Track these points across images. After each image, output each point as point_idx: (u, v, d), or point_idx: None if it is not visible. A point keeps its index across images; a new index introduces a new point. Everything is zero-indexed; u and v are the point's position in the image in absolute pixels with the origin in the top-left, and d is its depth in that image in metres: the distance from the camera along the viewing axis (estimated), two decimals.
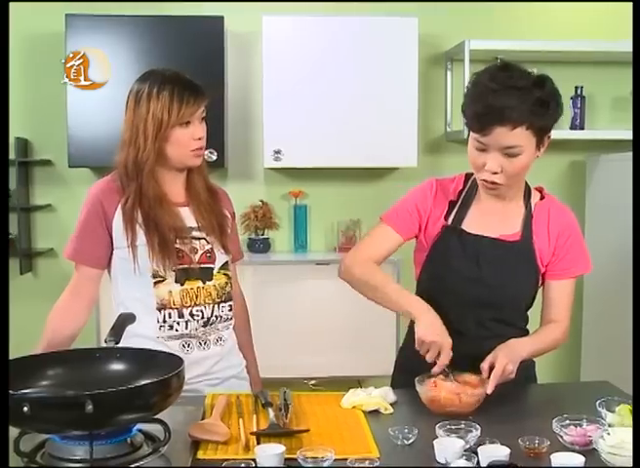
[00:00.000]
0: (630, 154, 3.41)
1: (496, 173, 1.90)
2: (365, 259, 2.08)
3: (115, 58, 3.63)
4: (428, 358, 1.87)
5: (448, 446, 1.54)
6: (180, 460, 1.53)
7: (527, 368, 2.07)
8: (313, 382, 3.83)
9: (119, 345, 1.76)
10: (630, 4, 3.24)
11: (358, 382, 3.64)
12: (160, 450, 1.52)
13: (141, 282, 2.04)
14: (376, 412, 1.84)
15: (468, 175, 2.10)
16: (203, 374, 2.08)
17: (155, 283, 2.04)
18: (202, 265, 2.10)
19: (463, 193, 2.10)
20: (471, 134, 1.92)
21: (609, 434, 1.57)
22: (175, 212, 2.08)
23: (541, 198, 2.10)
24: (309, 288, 3.82)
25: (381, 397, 1.87)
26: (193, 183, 2.14)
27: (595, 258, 2.12)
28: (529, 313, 2.13)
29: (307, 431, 1.68)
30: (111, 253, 2.07)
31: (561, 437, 1.61)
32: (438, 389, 1.83)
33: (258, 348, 2.38)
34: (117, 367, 1.71)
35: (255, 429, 1.69)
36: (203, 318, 2.09)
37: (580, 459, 1.48)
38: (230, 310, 2.17)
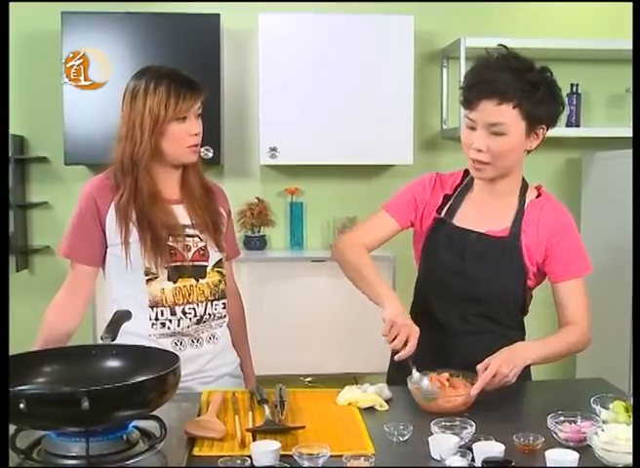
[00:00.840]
0: (625, 151, 3.42)
1: (481, 150, 1.92)
2: (356, 242, 2.10)
3: (111, 55, 3.62)
4: (396, 343, 1.82)
5: (443, 442, 1.54)
6: (175, 457, 1.53)
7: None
8: (309, 379, 3.83)
9: (115, 342, 1.76)
10: (627, 3, 3.24)
11: (354, 379, 3.64)
12: (156, 447, 1.53)
13: (134, 279, 2.04)
14: (371, 409, 1.84)
15: (467, 171, 2.11)
16: (196, 372, 2.08)
17: (148, 280, 2.04)
18: (195, 263, 2.10)
19: (459, 188, 2.11)
20: (463, 113, 1.96)
21: (603, 430, 1.57)
22: (168, 209, 2.08)
23: (538, 196, 2.10)
24: (305, 285, 3.83)
25: (377, 394, 1.88)
26: (188, 181, 2.13)
27: (590, 256, 2.11)
28: (531, 317, 2.13)
29: (303, 428, 1.68)
30: (105, 251, 2.07)
31: (555, 433, 1.62)
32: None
33: (254, 345, 2.38)
34: (113, 363, 1.71)
35: (250, 426, 1.70)
36: (196, 316, 2.09)
37: (574, 456, 1.48)
38: (224, 308, 2.17)
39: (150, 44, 3.76)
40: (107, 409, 1.44)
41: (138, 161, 2.02)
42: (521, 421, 1.74)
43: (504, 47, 1.98)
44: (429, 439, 1.56)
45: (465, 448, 1.52)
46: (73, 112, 3.74)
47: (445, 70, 4.13)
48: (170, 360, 1.59)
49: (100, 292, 2.18)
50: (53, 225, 3.98)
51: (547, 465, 1.49)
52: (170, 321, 2.07)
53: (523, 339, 2.11)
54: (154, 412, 1.56)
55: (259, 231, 4.08)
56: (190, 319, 2.08)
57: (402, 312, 1.89)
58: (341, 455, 1.51)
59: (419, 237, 2.14)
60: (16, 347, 1.69)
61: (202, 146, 2.13)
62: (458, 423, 1.64)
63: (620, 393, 1.90)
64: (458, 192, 2.11)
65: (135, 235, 2.03)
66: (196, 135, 2.07)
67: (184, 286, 2.08)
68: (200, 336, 2.11)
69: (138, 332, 2.02)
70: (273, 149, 3.82)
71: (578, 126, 4.06)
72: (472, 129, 1.94)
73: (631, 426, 1.58)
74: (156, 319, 2.06)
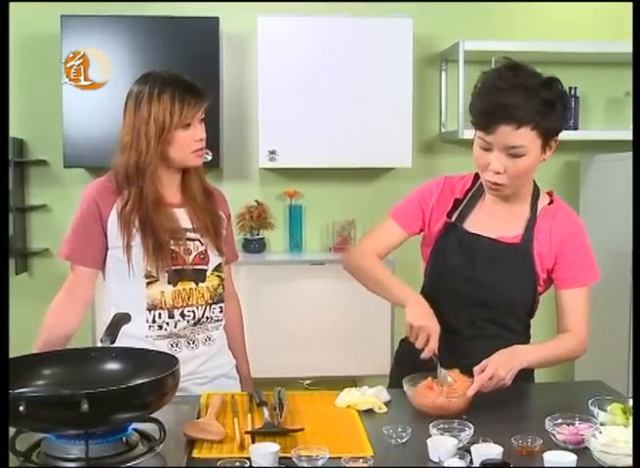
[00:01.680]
0: (624, 154, 3.42)
1: (499, 173, 1.90)
2: (367, 251, 2.13)
3: (111, 58, 3.64)
4: (418, 344, 1.88)
5: (441, 444, 1.54)
6: (175, 459, 1.53)
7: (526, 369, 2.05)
8: (308, 382, 3.84)
9: (114, 345, 1.76)
10: (626, 5, 3.25)
11: (353, 382, 3.65)
12: (155, 449, 1.53)
13: (134, 282, 2.05)
14: (370, 412, 1.84)
15: (478, 175, 2.07)
16: (190, 374, 2.07)
17: (148, 283, 2.05)
18: (195, 267, 2.10)
19: (471, 192, 2.10)
20: (477, 133, 1.91)
21: (601, 433, 1.58)
22: (170, 214, 2.08)
23: (550, 202, 2.08)
24: (304, 288, 3.83)
25: (375, 396, 1.88)
26: (189, 184, 2.14)
27: None
28: (534, 320, 2.13)
29: (302, 430, 1.68)
30: (106, 253, 2.08)
31: (554, 435, 1.62)
32: (425, 396, 1.83)
33: (252, 348, 2.38)
34: (113, 366, 1.71)
35: (249, 428, 1.70)
36: (194, 318, 2.10)
37: (572, 458, 1.49)
38: (221, 312, 2.17)
39: (150, 47, 3.76)
40: (107, 412, 1.44)
41: (144, 170, 2.02)
42: (519, 423, 1.73)
43: (508, 59, 1.93)
44: (428, 441, 1.57)
45: (464, 451, 1.53)
46: (72, 116, 3.75)
47: (444, 73, 4.14)
48: (169, 362, 1.59)
49: (100, 294, 2.18)
50: (52, 228, 3.98)
51: (545, 467, 1.49)
52: (167, 323, 2.07)
53: (528, 343, 2.11)
54: (153, 415, 1.56)
55: (258, 234, 4.08)
56: (188, 321, 2.09)
57: (421, 312, 1.91)
58: (340, 457, 1.51)
59: (427, 241, 2.14)
60: (15, 350, 1.69)
61: None
62: (456, 425, 1.64)
63: (618, 395, 1.91)
64: (469, 197, 2.09)
65: (137, 239, 2.03)
66: (201, 140, 2.07)
67: (184, 289, 2.08)
68: (196, 338, 2.11)
69: (135, 334, 2.02)
70: (272, 152, 3.83)
71: (576, 129, 4.07)
72: (487, 150, 1.89)
73: (629, 428, 1.59)
74: (153, 321, 2.06)
